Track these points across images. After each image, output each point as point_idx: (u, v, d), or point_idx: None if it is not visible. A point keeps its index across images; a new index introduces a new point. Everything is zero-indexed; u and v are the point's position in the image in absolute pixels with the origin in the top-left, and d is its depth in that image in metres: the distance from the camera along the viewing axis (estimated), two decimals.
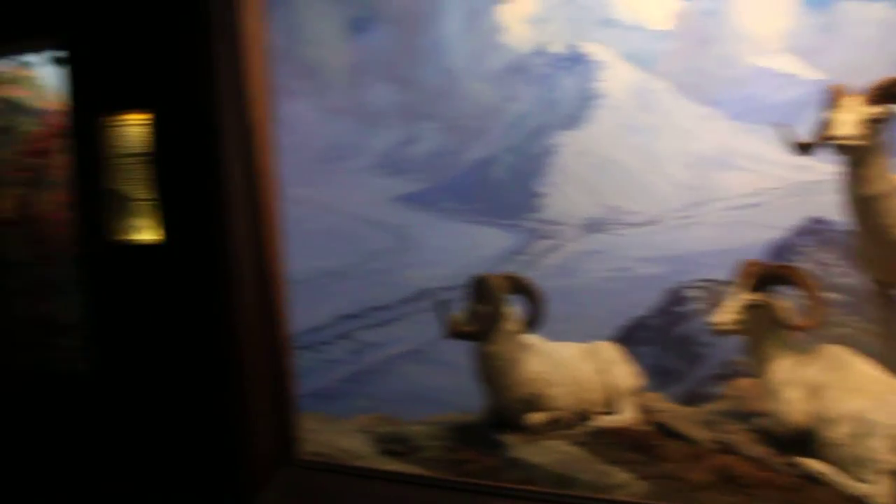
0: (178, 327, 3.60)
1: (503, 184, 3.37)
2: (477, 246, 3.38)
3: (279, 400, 3.61)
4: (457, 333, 3.34)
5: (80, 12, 3.72)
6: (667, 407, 3.16)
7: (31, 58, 4.42)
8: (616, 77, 3.19)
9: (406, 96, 3.48)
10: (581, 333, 3.29)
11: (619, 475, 3.12)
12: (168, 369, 3.67)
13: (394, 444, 3.55)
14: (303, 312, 3.67)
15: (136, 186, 3.63)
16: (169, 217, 3.58)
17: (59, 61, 3.93)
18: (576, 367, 3.32)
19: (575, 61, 3.24)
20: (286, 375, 3.64)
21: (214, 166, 3.39)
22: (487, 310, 3.32)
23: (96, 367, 3.97)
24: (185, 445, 3.66)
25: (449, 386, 3.45)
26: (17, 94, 4.58)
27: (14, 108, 4.59)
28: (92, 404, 3.99)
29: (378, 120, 3.53)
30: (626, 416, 3.23)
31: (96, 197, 3.74)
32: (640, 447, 3.15)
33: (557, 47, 3.25)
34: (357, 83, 3.54)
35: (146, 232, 3.64)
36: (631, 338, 3.20)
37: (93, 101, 3.73)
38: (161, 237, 3.60)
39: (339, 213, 3.61)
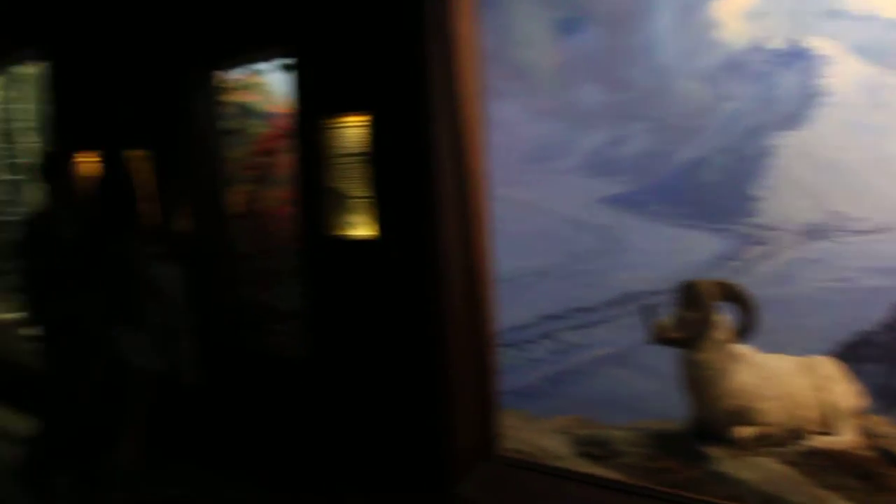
0: (388, 320, 3.77)
1: (715, 186, 3.27)
2: (686, 250, 3.30)
3: (482, 395, 3.69)
4: (663, 339, 3.28)
5: (307, 23, 4.00)
6: (894, 433, 2.92)
7: (262, 66, 4.78)
8: (843, 72, 3.01)
9: (615, 96, 3.46)
10: (797, 346, 3.14)
11: (835, 501, 2.93)
12: (377, 359, 3.84)
13: (593, 448, 3.54)
14: (508, 311, 3.73)
15: (354, 185, 3.83)
16: (383, 214, 3.75)
17: (286, 68, 4.22)
18: (790, 381, 3.17)
19: (796, 56, 3.09)
20: (490, 372, 3.71)
21: (427, 166, 3.51)
22: (696, 316, 3.23)
23: (311, 354, 4.22)
24: (389, 434, 3.81)
25: (652, 392, 3.39)
26: (249, 98, 4.98)
27: (246, 111, 5.00)
28: (305, 389, 4.24)
29: (587, 120, 3.53)
30: (844, 437, 3.04)
31: (317, 194, 3.99)
32: (860, 474, 2.96)
33: (776, 42, 3.12)
34: (566, 84, 3.56)
35: (362, 228, 3.83)
36: (853, 354, 3.01)
37: (316, 105, 4.00)
38: (376, 233, 3.77)
39: (546, 213, 3.64)
